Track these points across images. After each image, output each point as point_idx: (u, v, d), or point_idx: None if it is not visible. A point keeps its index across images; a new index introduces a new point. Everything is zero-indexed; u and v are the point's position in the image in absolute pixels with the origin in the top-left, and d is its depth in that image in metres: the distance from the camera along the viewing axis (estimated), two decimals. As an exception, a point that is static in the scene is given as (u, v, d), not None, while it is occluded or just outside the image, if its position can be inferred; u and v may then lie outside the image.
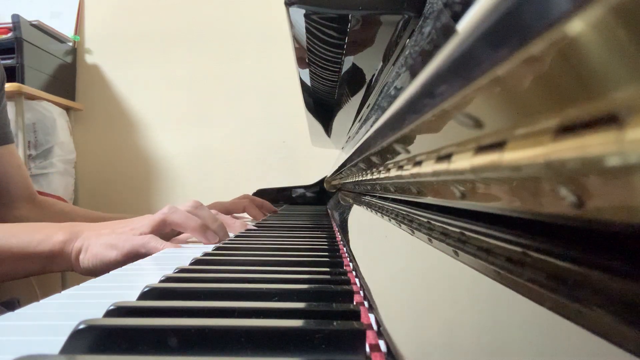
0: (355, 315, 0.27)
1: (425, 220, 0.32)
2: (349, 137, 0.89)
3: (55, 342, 0.23)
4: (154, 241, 0.61)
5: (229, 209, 1.01)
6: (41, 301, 0.34)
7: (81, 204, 1.92)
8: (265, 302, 0.30)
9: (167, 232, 0.65)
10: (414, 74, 0.23)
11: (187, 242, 0.68)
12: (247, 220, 0.96)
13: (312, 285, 0.34)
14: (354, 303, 0.31)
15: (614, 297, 0.11)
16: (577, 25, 0.09)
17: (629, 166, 0.09)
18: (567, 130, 0.11)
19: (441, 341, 0.20)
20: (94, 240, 0.63)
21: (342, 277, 0.38)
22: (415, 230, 0.32)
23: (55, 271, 0.66)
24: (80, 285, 0.39)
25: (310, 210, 1.25)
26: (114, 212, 1.14)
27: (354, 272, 0.42)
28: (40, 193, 1.65)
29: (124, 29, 1.97)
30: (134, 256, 0.62)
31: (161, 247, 0.60)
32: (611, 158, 0.09)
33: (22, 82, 1.63)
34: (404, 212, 0.40)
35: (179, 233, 0.69)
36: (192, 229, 0.64)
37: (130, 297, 0.32)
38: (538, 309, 0.13)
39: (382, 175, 0.42)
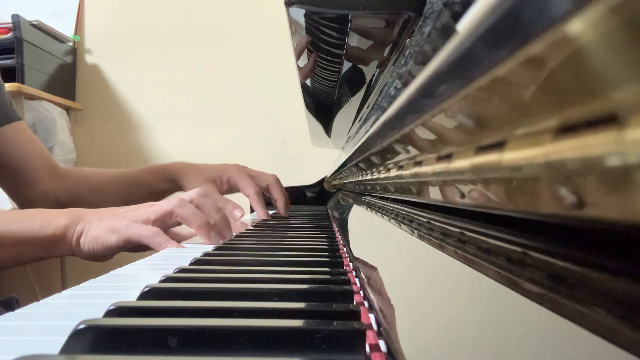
0: (355, 315, 0.27)
1: (425, 220, 0.32)
2: (349, 137, 0.89)
3: (55, 342, 0.23)
4: (159, 237, 0.60)
5: (254, 177, 0.98)
6: (41, 301, 0.34)
7: (81, 204, 1.92)
8: (265, 302, 0.30)
9: (169, 223, 0.64)
10: (414, 73, 0.23)
11: (186, 241, 0.68)
12: (247, 218, 0.95)
13: (312, 285, 0.34)
14: (354, 303, 0.31)
15: (614, 297, 0.11)
16: (577, 25, 0.09)
17: (629, 166, 0.09)
18: (567, 130, 0.11)
19: (441, 341, 0.20)
20: (95, 223, 0.63)
21: (342, 277, 0.38)
22: (415, 230, 0.32)
23: (57, 256, 0.65)
24: (80, 285, 0.39)
25: (310, 210, 1.25)
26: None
27: (354, 272, 0.42)
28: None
29: (124, 29, 1.97)
30: (134, 244, 0.62)
31: (165, 244, 0.60)
32: (611, 158, 0.09)
33: (22, 82, 1.63)
34: (404, 212, 0.40)
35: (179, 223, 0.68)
36: (198, 226, 0.64)
37: (130, 297, 0.32)
38: (538, 309, 0.13)
39: (382, 175, 0.42)
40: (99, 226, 0.62)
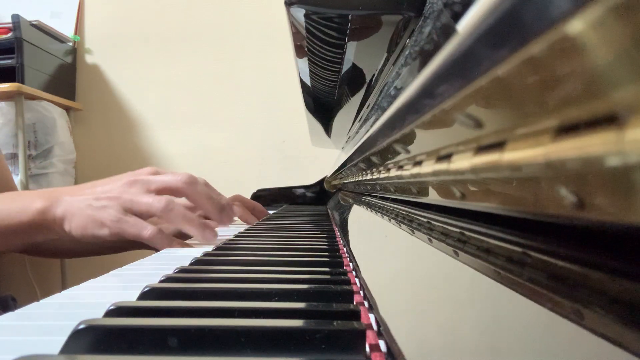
0: (355, 315, 0.27)
1: (425, 220, 0.32)
2: (349, 137, 0.89)
3: (55, 342, 0.23)
4: (158, 237, 0.59)
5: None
6: (41, 301, 0.34)
7: (81, 204, 1.92)
8: (265, 302, 0.30)
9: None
10: (414, 74, 0.23)
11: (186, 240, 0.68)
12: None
13: (312, 285, 0.34)
14: (354, 303, 0.31)
15: (614, 297, 0.11)
16: (577, 25, 0.09)
17: (629, 166, 0.09)
18: (567, 130, 0.11)
19: (441, 341, 0.20)
20: (76, 205, 0.60)
21: (342, 277, 0.38)
22: (415, 230, 0.32)
23: (41, 241, 0.63)
24: (80, 285, 0.39)
25: (310, 210, 1.25)
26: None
27: (354, 272, 0.42)
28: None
29: (124, 29, 1.97)
30: (127, 240, 0.60)
31: (167, 245, 0.59)
32: (611, 158, 0.09)
33: (22, 82, 1.63)
34: (404, 212, 0.40)
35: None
36: (209, 212, 0.65)
37: (130, 297, 0.32)
38: (538, 309, 0.13)
39: (382, 175, 0.42)
40: (83, 213, 0.59)
